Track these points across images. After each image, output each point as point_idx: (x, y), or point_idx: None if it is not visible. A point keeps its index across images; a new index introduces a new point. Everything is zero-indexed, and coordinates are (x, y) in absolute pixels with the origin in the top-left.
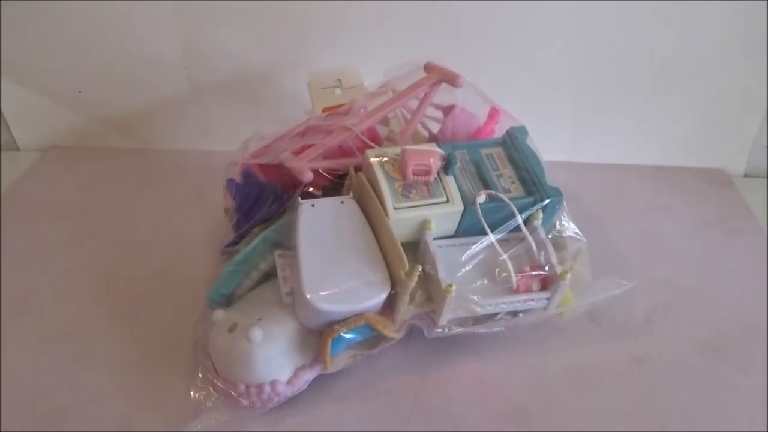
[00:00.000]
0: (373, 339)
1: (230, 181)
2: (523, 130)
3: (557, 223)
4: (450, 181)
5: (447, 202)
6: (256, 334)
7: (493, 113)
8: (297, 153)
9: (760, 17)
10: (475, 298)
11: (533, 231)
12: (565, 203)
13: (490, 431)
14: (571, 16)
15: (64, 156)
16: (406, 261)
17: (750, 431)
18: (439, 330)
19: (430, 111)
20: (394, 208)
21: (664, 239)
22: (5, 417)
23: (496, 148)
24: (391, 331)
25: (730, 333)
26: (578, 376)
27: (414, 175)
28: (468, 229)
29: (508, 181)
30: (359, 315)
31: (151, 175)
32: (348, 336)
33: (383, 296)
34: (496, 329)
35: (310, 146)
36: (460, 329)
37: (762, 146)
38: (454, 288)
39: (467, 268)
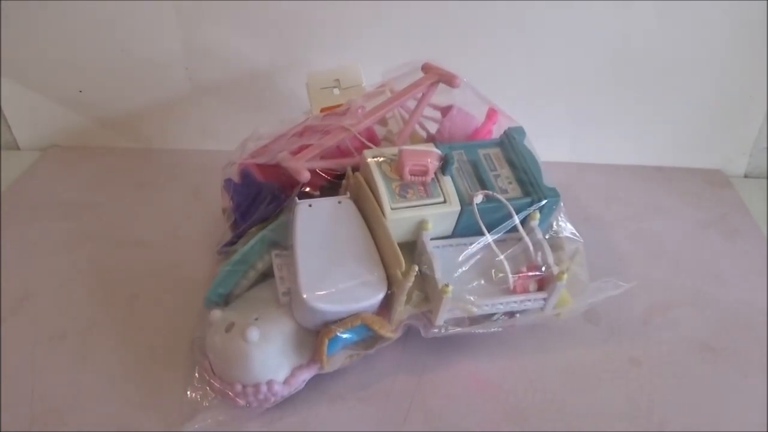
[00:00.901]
0: (369, 339)
1: (228, 181)
2: (520, 131)
3: (554, 224)
4: (447, 181)
5: (444, 202)
6: (253, 333)
7: (491, 114)
8: (294, 153)
9: (760, 17)
10: (472, 298)
11: (530, 231)
12: (562, 204)
13: (488, 431)
14: (570, 16)
15: (64, 156)
16: (402, 261)
17: None
18: (436, 330)
19: (428, 111)
20: (392, 209)
21: (662, 240)
22: (5, 417)
23: (494, 149)
24: (388, 331)
25: (729, 334)
26: (576, 376)
27: (411, 175)
28: (465, 229)
29: (506, 182)
30: (356, 315)
31: (151, 175)
32: (344, 336)
33: (380, 296)
34: (493, 330)
35: (307, 146)
36: (457, 329)
37: (762, 147)
38: (450, 288)
39: (464, 269)
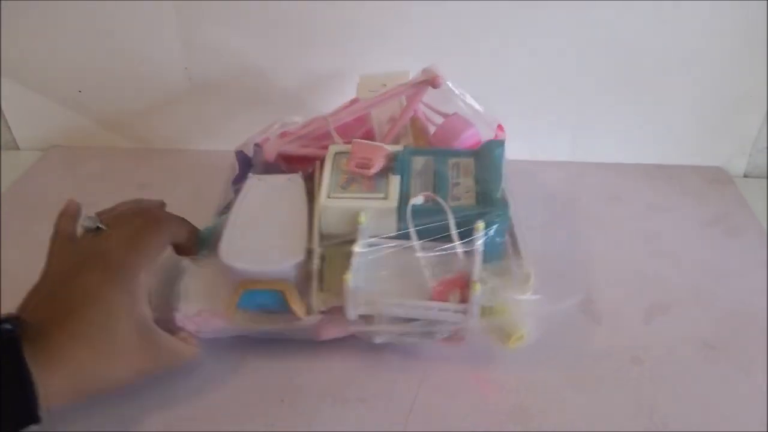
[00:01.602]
0: (285, 312)
1: (239, 152)
2: (499, 144)
3: (508, 241)
4: (394, 180)
5: (383, 198)
6: (184, 262)
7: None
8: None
9: (760, 17)
10: (386, 297)
11: (471, 242)
12: (514, 220)
13: (489, 431)
14: (571, 16)
15: (64, 156)
16: (314, 241)
17: (750, 431)
18: (351, 326)
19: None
20: (328, 197)
21: (664, 238)
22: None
23: (467, 159)
24: (299, 308)
25: (730, 333)
26: (577, 375)
27: (356, 167)
28: (424, 229)
29: (463, 191)
30: (277, 282)
31: (151, 175)
32: (259, 295)
33: (291, 263)
34: (411, 339)
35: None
36: (371, 328)
37: (762, 146)
38: (350, 278)
39: (389, 268)
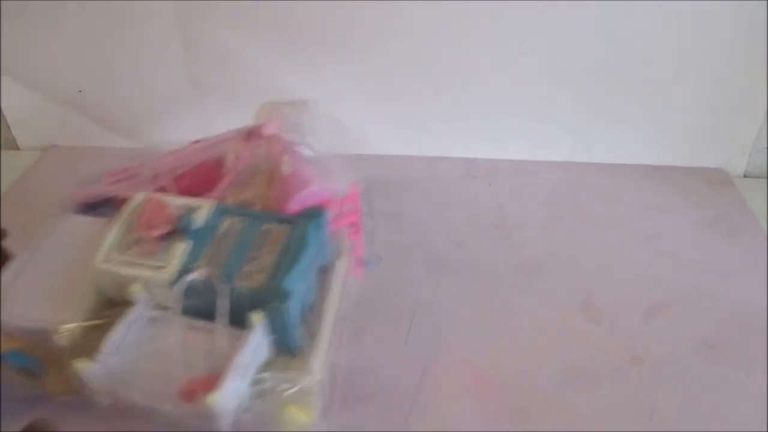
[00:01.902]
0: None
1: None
2: (317, 213)
3: (304, 341)
4: (179, 247)
5: (161, 268)
6: None
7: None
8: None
9: (760, 17)
10: (137, 387)
11: (246, 333)
12: (289, 311)
13: (489, 431)
14: (571, 16)
15: (64, 156)
16: (71, 311)
17: (750, 431)
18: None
19: None
20: (102, 260)
21: (663, 239)
22: (5, 417)
23: (281, 227)
24: (61, 382)
25: (730, 333)
26: (577, 375)
27: (143, 228)
28: (202, 309)
29: (257, 268)
30: (40, 345)
31: None
32: (21, 355)
33: (54, 325)
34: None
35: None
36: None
37: (762, 147)
38: (81, 365)
39: (154, 350)
